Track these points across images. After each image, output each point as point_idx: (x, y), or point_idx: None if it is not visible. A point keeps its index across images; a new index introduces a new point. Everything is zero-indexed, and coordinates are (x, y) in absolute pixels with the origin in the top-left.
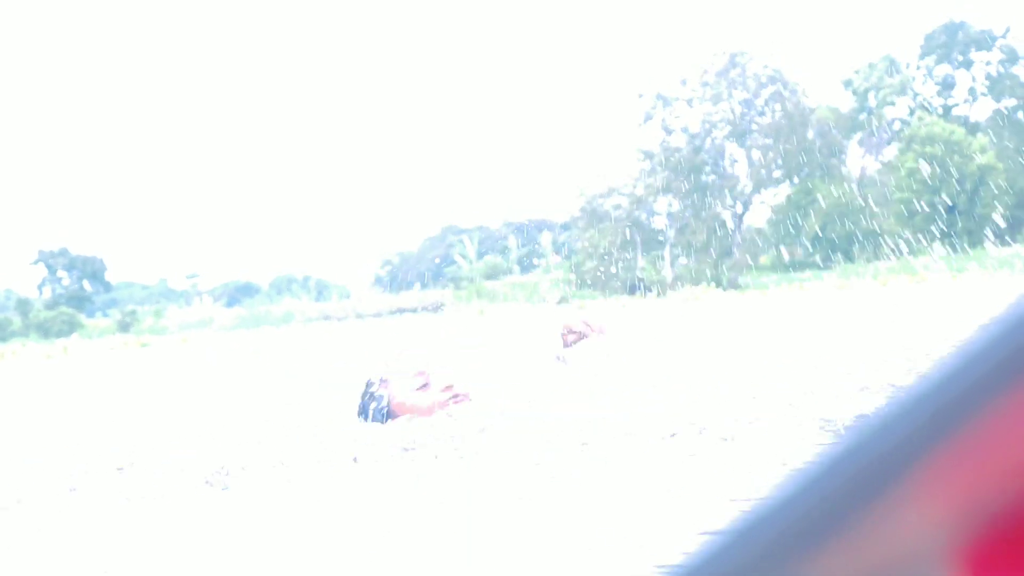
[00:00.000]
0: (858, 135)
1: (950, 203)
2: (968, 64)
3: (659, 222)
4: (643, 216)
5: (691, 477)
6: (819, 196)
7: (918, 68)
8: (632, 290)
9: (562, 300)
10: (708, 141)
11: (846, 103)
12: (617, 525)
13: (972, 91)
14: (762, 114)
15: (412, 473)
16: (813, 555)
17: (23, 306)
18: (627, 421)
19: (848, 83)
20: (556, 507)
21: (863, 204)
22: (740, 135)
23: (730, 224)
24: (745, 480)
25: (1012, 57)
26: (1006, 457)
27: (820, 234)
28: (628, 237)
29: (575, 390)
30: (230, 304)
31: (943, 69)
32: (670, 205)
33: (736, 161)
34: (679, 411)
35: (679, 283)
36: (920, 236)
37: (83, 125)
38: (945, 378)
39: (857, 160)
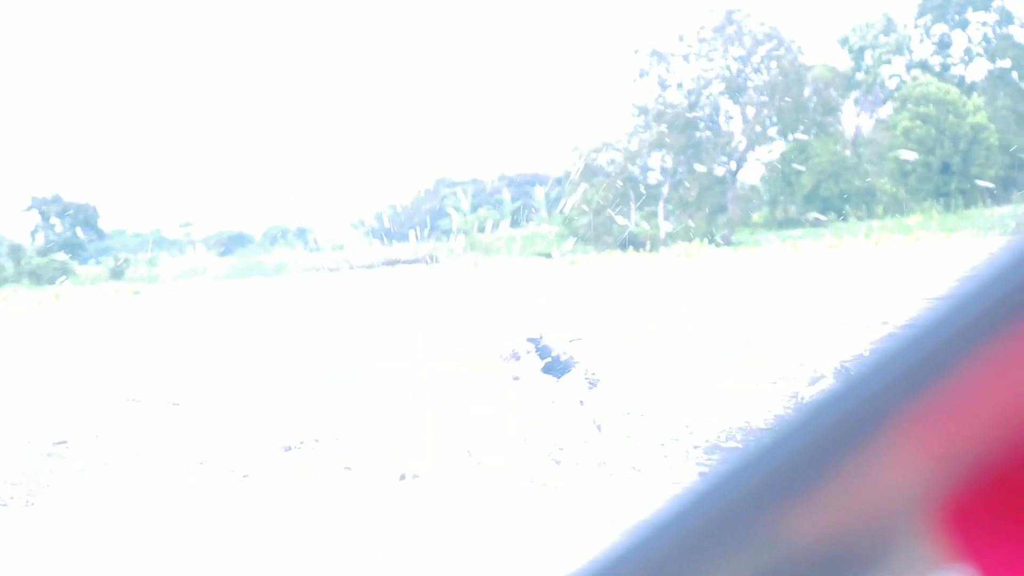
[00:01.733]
0: (854, 94)
1: (944, 163)
2: (964, 24)
3: (653, 178)
4: (637, 172)
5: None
6: (813, 154)
7: (915, 27)
8: (624, 246)
9: (550, 254)
10: (703, 97)
11: (842, 62)
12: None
13: (968, 51)
14: (758, 71)
15: None
16: (791, 507)
17: (15, 252)
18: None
19: (844, 41)
20: None
21: (857, 163)
22: (735, 92)
23: (724, 181)
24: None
25: (1007, 18)
26: (983, 409)
27: (814, 192)
28: (622, 192)
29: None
30: (223, 253)
31: (939, 28)
32: (664, 161)
33: (731, 118)
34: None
35: (672, 239)
36: (914, 195)
37: (77, 72)
38: (922, 331)
39: (852, 119)
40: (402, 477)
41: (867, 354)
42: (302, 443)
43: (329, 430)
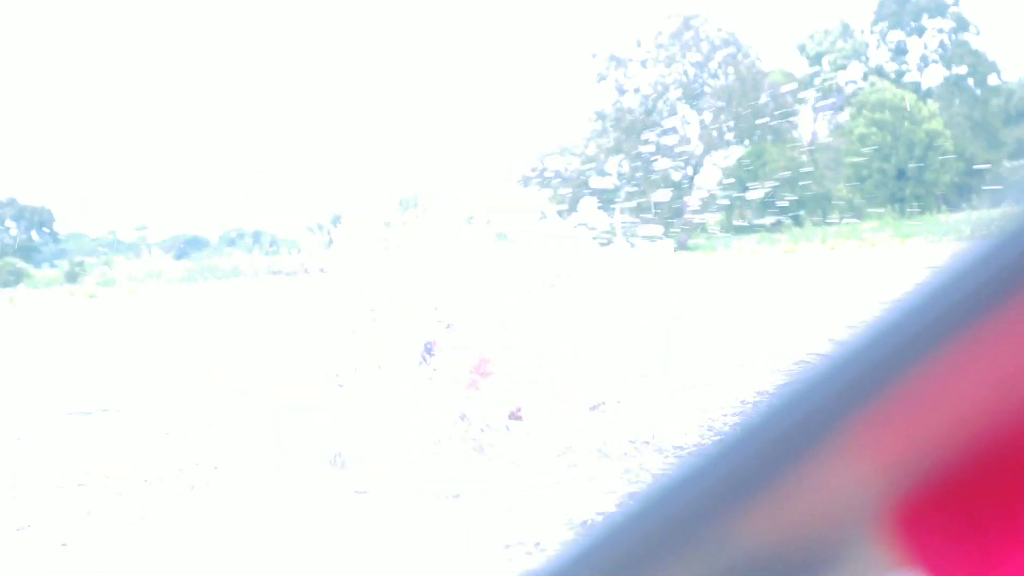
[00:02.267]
0: (811, 99)
1: (899, 169)
2: (920, 31)
3: (610, 182)
4: (593, 176)
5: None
6: (770, 159)
7: (872, 33)
8: None
9: None
10: (661, 102)
11: (800, 67)
12: None
13: (924, 58)
14: (715, 77)
15: None
16: (745, 510)
17: None
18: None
19: (802, 48)
20: None
21: (814, 168)
22: (693, 97)
23: (681, 186)
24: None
25: (963, 25)
26: (937, 412)
27: (770, 197)
28: (577, 197)
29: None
30: (179, 256)
31: (896, 35)
32: (621, 166)
33: (688, 123)
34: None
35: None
36: (870, 201)
37: (31, 74)
38: (875, 335)
39: (809, 124)
40: (397, 475)
41: (820, 359)
42: (295, 443)
43: (315, 429)
